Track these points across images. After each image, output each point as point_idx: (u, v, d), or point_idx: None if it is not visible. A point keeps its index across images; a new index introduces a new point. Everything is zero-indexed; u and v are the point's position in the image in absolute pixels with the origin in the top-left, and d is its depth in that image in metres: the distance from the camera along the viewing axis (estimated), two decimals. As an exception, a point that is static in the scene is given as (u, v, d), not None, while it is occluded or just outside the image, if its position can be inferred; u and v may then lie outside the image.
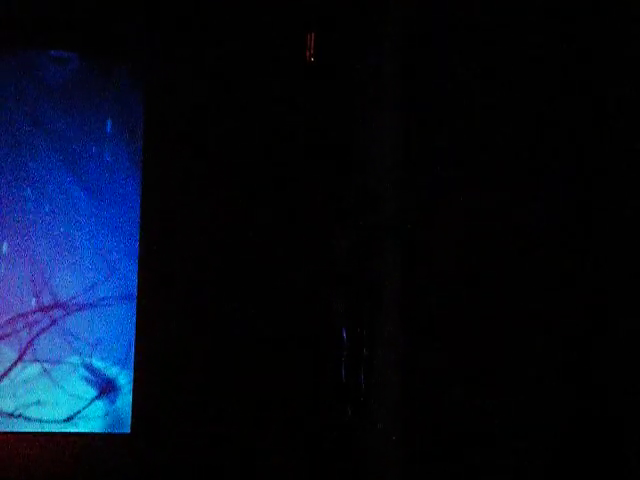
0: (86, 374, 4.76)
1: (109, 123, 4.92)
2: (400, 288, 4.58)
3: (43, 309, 4.77)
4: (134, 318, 4.76)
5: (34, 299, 4.77)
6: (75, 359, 4.76)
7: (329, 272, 4.68)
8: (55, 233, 4.83)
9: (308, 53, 4.81)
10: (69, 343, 4.76)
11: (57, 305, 4.78)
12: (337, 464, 4.55)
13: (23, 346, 4.73)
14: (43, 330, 4.75)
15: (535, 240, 4.52)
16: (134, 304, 4.78)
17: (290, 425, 4.63)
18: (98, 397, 4.75)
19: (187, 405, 4.63)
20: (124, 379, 4.76)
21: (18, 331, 4.74)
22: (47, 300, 4.78)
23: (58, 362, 4.74)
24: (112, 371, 4.77)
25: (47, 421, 4.70)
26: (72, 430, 4.70)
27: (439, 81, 4.66)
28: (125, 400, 4.74)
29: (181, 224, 4.76)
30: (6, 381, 4.69)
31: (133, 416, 4.71)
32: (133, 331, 4.75)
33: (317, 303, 4.69)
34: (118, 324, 4.78)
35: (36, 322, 4.76)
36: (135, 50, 4.90)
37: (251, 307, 4.70)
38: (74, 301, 4.79)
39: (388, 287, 4.61)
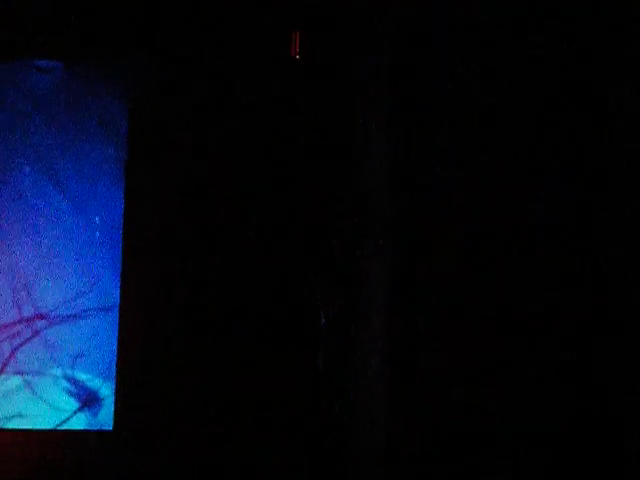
0: (68, 386, 4.69)
1: (93, 134, 4.87)
2: (400, 288, 4.58)
3: (25, 320, 4.72)
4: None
5: (16, 310, 4.72)
6: (57, 371, 4.70)
7: (329, 272, 4.68)
8: (37, 244, 4.77)
9: (293, 51, 4.81)
10: (51, 355, 4.70)
11: (39, 316, 4.73)
12: (337, 464, 4.55)
13: (5, 358, 4.69)
14: (25, 342, 4.70)
15: (535, 240, 4.52)
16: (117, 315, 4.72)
17: (290, 425, 4.62)
18: (80, 409, 4.69)
19: (184, 405, 4.62)
20: (107, 391, 4.71)
21: None
22: (29, 311, 4.73)
23: (40, 374, 4.68)
24: (95, 383, 4.71)
25: (29, 434, 4.66)
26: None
27: (439, 81, 4.66)
28: (108, 412, 4.69)
29: (164, 234, 4.74)
30: (-13, 394, 4.66)
31: (115, 415, 4.67)
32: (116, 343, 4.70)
33: (318, 303, 4.69)
34: (101, 335, 4.73)
35: (18, 334, 4.71)
36: (120, 58, 4.87)
37: (250, 308, 4.70)
38: (56, 312, 4.73)
39: (387, 287, 4.60)
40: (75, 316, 4.73)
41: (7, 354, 4.67)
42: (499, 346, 4.46)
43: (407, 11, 4.68)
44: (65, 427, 4.66)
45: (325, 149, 4.79)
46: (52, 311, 4.73)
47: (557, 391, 4.43)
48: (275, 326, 4.68)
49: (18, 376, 4.68)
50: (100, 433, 4.68)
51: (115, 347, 4.69)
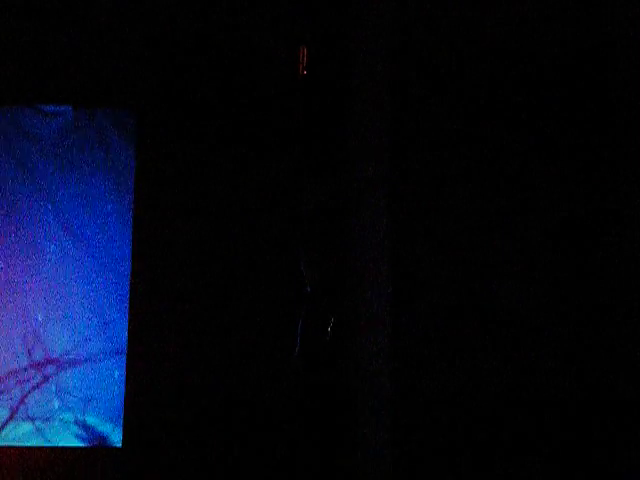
0: (79, 431, 4.68)
1: (100, 176, 4.85)
2: (400, 288, 4.58)
3: (35, 366, 4.72)
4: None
5: (26, 356, 4.71)
6: (68, 416, 4.68)
7: (329, 273, 4.69)
8: (46, 288, 4.75)
9: (301, 66, 4.81)
10: (61, 400, 4.69)
11: (49, 361, 4.70)
12: (337, 464, 4.55)
13: (15, 404, 4.67)
14: (35, 387, 4.69)
15: (535, 240, 4.53)
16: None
17: (290, 425, 4.63)
18: None
19: (190, 417, 4.62)
20: (117, 436, 4.68)
21: (10, 389, 4.67)
22: (39, 356, 4.71)
23: (50, 419, 4.67)
24: (105, 428, 4.70)
25: (40, 479, 4.64)
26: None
27: (439, 80, 4.67)
28: (119, 457, 4.69)
29: (171, 279, 4.73)
30: (-2, 440, 4.64)
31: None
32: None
33: (318, 303, 4.69)
34: (111, 379, 4.74)
35: (28, 379, 4.70)
36: (125, 98, 4.87)
37: (250, 308, 4.70)
38: (66, 357, 4.71)
39: (388, 287, 4.61)
40: (86, 360, 4.71)
41: (18, 400, 4.68)
42: (499, 346, 4.46)
43: (407, 11, 4.69)
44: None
45: (325, 149, 4.80)
46: (62, 356, 4.72)
47: (557, 391, 4.44)
48: (275, 326, 4.69)
49: (29, 422, 4.66)
50: (109, 449, 4.68)
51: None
